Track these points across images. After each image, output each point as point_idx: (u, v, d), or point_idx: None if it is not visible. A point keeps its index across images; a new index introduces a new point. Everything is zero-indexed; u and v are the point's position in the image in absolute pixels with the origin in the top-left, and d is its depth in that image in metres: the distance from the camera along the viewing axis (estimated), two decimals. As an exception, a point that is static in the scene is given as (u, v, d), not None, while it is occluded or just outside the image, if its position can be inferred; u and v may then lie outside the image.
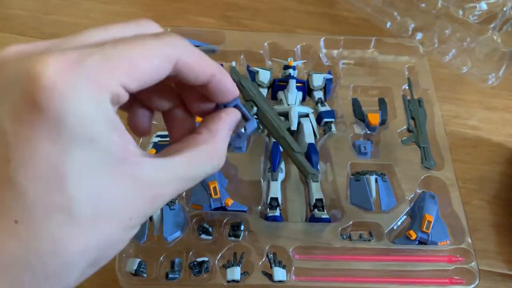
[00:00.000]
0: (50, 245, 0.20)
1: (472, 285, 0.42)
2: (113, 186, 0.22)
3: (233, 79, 0.28)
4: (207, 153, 0.26)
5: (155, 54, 0.23)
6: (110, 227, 0.22)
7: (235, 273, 0.41)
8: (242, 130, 0.31)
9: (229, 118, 0.29)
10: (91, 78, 0.20)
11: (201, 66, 0.26)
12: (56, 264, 0.21)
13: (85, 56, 0.21)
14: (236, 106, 0.29)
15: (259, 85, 0.53)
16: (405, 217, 0.46)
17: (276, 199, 0.46)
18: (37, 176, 0.20)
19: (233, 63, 0.55)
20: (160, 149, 0.46)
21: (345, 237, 0.45)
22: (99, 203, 0.21)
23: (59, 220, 0.20)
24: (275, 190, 0.46)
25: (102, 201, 0.21)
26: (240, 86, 0.32)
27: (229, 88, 0.28)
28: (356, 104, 0.53)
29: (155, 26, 0.25)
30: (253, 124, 0.31)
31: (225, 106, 0.29)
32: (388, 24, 0.62)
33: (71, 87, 0.20)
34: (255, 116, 0.33)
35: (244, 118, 0.31)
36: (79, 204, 0.21)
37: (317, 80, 0.53)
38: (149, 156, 0.24)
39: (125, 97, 0.22)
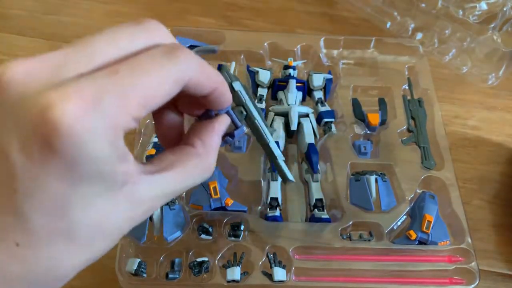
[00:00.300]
0: (48, 264, 0.22)
1: (472, 285, 0.42)
2: (112, 209, 0.23)
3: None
4: (199, 167, 0.27)
5: (167, 80, 0.23)
6: (105, 243, 0.23)
7: (235, 273, 0.41)
8: (230, 138, 0.31)
9: (222, 128, 0.29)
10: (107, 120, 0.20)
11: (207, 81, 0.26)
12: (51, 278, 0.22)
13: (102, 93, 0.20)
14: (227, 113, 0.30)
15: (259, 85, 0.53)
16: (405, 217, 0.46)
17: (276, 199, 0.46)
18: (42, 207, 0.21)
19: (233, 63, 0.55)
20: (160, 149, 0.47)
21: (345, 237, 0.45)
22: (98, 225, 0.22)
23: (59, 244, 0.21)
24: (275, 190, 0.46)
25: (100, 224, 0.22)
26: (231, 89, 0.32)
27: (227, 99, 0.28)
28: (356, 104, 0.53)
29: (163, 30, 0.25)
30: (241, 131, 0.32)
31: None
32: (388, 24, 0.62)
33: (88, 133, 0.20)
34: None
35: (234, 124, 0.31)
36: (79, 228, 0.22)
37: (317, 80, 0.53)
38: (144, 172, 0.24)
39: (135, 126, 0.22)
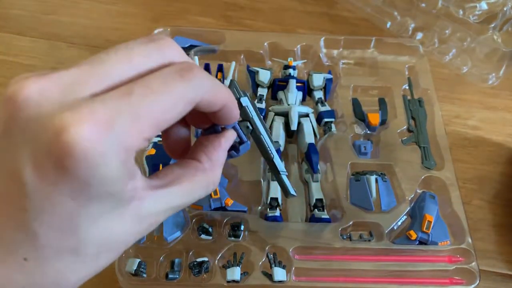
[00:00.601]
0: (54, 277, 0.22)
1: (472, 285, 0.42)
2: (118, 225, 0.23)
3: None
4: (205, 182, 0.28)
5: (180, 101, 0.23)
6: (110, 256, 0.24)
7: (235, 273, 0.41)
8: (235, 153, 0.32)
9: (228, 144, 0.30)
10: (120, 142, 0.21)
11: (218, 100, 0.26)
12: None
13: (115, 116, 0.21)
14: (234, 127, 0.30)
15: (259, 85, 0.53)
16: (405, 217, 0.46)
17: (276, 199, 0.46)
18: (51, 224, 0.21)
19: (233, 63, 0.55)
20: (160, 149, 0.47)
21: (345, 237, 0.45)
22: (104, 241, 0.23)
23: (66, 259, 0.22)
24: (275, 190, 0.46)
25: (107, 239, 0.23)
26: (238, 104, 0.33)
27: (234, 115, 0.29)
28: (356, 104, 0.53)
29: (176, 48, 0.25)
30: (246, 146, 0.32)
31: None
32: (388, 24, 0.62)
33: (101, 156, 0.20)
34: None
35: (239, 138, 0.32)
36: (86, 245, 0.22)
37: (317, 80, 0.53)
38: (151, 187, 0.24)
39: (146, 145, 0.23)
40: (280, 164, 0.38)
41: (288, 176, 0.39)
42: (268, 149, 0.36)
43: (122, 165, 0.21)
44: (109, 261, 0.24)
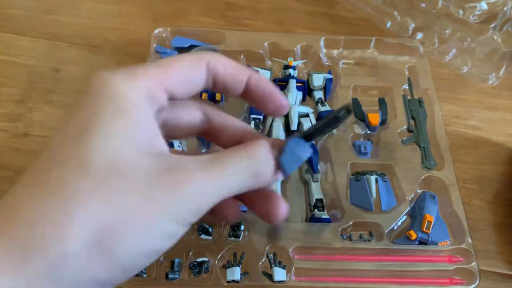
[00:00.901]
0: (60, 192, 0.21)
1: (473, 285, 0.42)
2: (127, 151, 0.23)
3: None
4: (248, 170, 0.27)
5: (186, 58, 0.27)
6: (123, 185, 0.22)
7: (235, 273, 0.41)
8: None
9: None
10: (131, 78, 0.25)
11: (234, 68, 0.28)
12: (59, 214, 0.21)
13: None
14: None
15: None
16: (405, 217, 0.46)
17: (276, 199, 0.46)
18: (66, 132, 0.23)
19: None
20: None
21: (345, 237, 0.45)
22: (113, 159, 0.22)
23: (72, 167, 0.22)
24: (275, 190, 0.46)
25: (116, 158, 0.22)
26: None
27: (270, 89, 0.29)
28: (356, 104, 0.53)
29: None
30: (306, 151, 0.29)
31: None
32: (388, 24, 0.62)
33: (112, 79, 0.24)
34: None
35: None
36: (93, 156, 0.22)
37: (317, 80, 0.53)
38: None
39: (163, 97, 0.26)
40: None
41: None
42: None
43: (133, 89, 0.25)
44: (123, 194, 0.22)
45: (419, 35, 0.61)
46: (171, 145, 0.47)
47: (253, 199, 0.29)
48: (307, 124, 0.50)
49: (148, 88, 0.25)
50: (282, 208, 0.28)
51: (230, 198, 0.27)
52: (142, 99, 0.25)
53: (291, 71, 0.53)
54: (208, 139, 0.32)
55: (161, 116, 0.27)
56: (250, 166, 0.26)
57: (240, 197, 0.30)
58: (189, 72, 0.27)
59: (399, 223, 0.46)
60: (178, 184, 0.23)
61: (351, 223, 0.45)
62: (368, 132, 0.52)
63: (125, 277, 0.23)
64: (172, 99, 0.27)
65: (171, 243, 0.24)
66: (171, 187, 0.23)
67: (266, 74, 0.53)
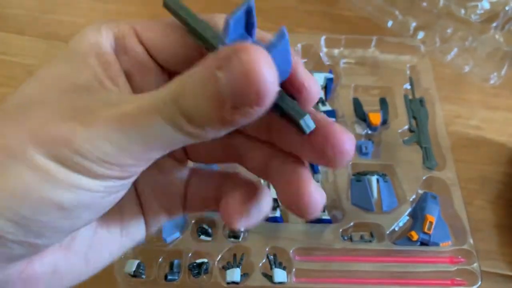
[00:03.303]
0: None
1: (474, 286, 0.41)
2: (45, 90, 0.20)
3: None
4: None
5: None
6: (15, 127, 0.19)
7: (235, 274, 0.40)
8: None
9: None
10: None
11: None
12: None
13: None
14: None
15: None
16: (406, 218, 0.46)
17: (276, 199, 0.45)
18: None
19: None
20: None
21: (346, 238, 0.44)
22: (24, 101, 0.20)
23: None
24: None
25: (25, 100, 0.20)
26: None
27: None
28: (357, 104, 0.53)
29: None
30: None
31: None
32: (390, 23, 0.62)
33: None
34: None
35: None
36: (10, 99, 0.20)
37: (318, 79, 0.53)
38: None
39: (131, 38, 0.23)
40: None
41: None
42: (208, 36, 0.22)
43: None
44: (43, 116, 0.19)
45: (421, 35, 0.60)
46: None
47: (278, 182, 0.23)
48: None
49: (116, 32, 0.23)
50: (314, 199, 0.21)
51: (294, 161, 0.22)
52: (102, 40, 0.22)
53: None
54: None
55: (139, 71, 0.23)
56: (169, 98, 0.18)
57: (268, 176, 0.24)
58: (174, 26, 0.23)
59: (400, 224, 0.45)
60: (72, 126, 0.18)
61: (352, 223, 0.45)
62: (369, 132, 0.52)
63: (27, 234, 0.19)
64: (156, 60, 0.23)
65: (79, 196, 0.19)
66: (61, 128, 0.18)
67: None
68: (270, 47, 0.18)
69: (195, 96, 0.17)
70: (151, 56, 0.23)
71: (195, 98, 0.17)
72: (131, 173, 0.20)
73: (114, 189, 0.20)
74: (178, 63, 0.23)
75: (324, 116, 0.21)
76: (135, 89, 0.23)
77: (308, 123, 0.19)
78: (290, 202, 0.21)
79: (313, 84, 0.21)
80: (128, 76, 0.23)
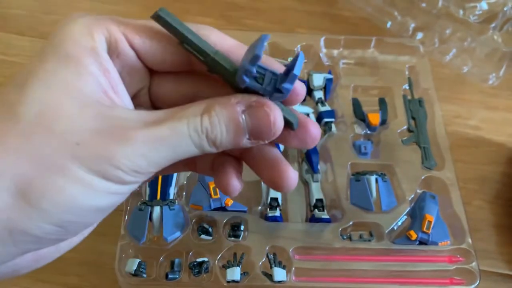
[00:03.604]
0: None
1: (473, 286, 0.42)
2: (64, 101, 0.22)
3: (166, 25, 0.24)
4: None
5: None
6: (49, 140, 0.21)
7: (235, 273, 0.40)
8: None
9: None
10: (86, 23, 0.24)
11: (233, 46, 0.28)
12: None
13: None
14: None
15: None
16: (405, 217, 0.46)
17: (276, 199, 0.46)
18: (14, 79, 0.22)
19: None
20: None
21: (345, 237, 0.44)
22: (44, 111, 0.21)
23: (3, 117, 0.21)
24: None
25: (47, 109, 0.21)
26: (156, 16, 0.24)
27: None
28: (356, 104, 0.53)
29: None
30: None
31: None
32: (389, 24, 0.62)
33: (72, 23, 0.24)
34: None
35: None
36: (24, 106, 0.21)
37: (317, 79, 0.53)
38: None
39: (123, 43, 0.24)
40: (228, 60, 0.25)
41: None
42: (204, 45, 0.24)
43: (86, 34, 0.24)
44: (46, 147, 0.21)
45: (420, 35, 0.60)
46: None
47: (259, 165, 0.27)
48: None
49: (108, 36, 0.24)
50: (290, 176, 0.26)
51: (230, 157, 0.27)
52: (97, 46, 0.23)
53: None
54: None
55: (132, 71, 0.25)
56: (200, 130, 0.23)
57: (246, 159, 0.28)
58: (162, 32, 0.24)
59: (399, 223, 0.45)
60: (110, 144, 0.21)
61: (351, 223, 0.45)
62: (368, 132, 0.52)
63: (66, 233, 0.23)
64: (148, 67, 0.25)
65: (112, 199, 0.23)
66: (101, 147, 0.21)
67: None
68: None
69: (221, 130, 0.23)
70: (140, 59, 0.25)
71: (221, 132, 0.23)
72: (150, 177, 0.24)
73: (134, 189, 0.24)
74: (165, 65, 0.26)
75: (298, 112, 0.27)
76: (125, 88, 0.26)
77: (296, 122, 0.26)
78: (269, 180, 0.27)
79: (300, 88, 0.27)
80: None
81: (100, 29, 0.24)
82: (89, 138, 0.21)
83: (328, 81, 0.53)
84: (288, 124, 0.25)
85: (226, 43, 0.26)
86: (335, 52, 0.59)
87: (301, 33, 0.63)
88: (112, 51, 0.24)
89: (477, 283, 0.42)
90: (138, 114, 0.23)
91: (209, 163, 0.28)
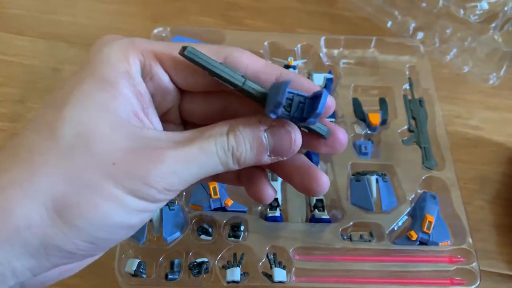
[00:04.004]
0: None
1: (473, 286, 0.42)
2: (99, 122, 0.23)
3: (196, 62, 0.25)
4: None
5: (206, 46, 0.26)
6: (86, 159, 0.22)
7: (235, 273, 0.40)
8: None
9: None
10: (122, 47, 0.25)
11: (263, 66, 0.27)
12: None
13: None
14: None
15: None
16: (406, 217, 0.46)
17: (276, 199, 0.46)
18: (52, 99, 0.24)
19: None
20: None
21: (345, 237, 0.44)
22: (83, 131, 0.23)
23: (44, 136, 0.22)
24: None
25: (85, 130, 0.23)
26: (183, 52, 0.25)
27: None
28: (356, 104, 0.53)
29: None
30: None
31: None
32: (389, 24, 0.62)
33: (108, 46, 0.25)
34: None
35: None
36: (64, 127, 0.22)
37: (318, 79, 0.53)
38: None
39: (156, 66, 0.26)
40: (256, 85, 0.25)
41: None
42: (232, 77, 0.25)
43: (122, 58, 0.25)
44: (84, 169, 0.22)
45: (420, 35, 0.60)
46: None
47: (289, 172, 0.29)
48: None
49: (142, 61, 0.25)
50: (323, 181, 0.28)
51: (257, 169, 0.29)
52: (132, 69, 0.25)
53: (291, 70, 0.53)
54: None
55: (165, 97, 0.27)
56: (227, 148, 0.25)
57: (274, 169, 0.29)
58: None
59: (400, 224, 0.45)
60: (144, 163, 0.23)
61: (351, 223, 0.45)
62: (369, 132, 0.52)
63: (97, 249, 0.24)
64: (178, 87, 0.27)
65: (142, 217, 0.24)
66: (136, 166, 0.23)
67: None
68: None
69: (246, 148, 0.25)
70: (172, 81, 0.27)
71: (246, 150, 0.25)
72: (177, 193, 0.25)
73: (161, 207, 0.26)
74: (196, 87, 0.27)
75: (327, 121, 0.28)
76: (155, 107, 0.27)
77: (327, 132, 0.28)
78: (301, 187, 0.29)
79: (330, 104, 0.27)
80: (152, 97, 0.27)
81: (136, 53, 0.25)
82: (124, 158, 0.23)
83: (328, 81, 0.53)
84: (320, 135, 0.28)
85: (257, 65, 0.27)
86: (335, 52, 0.58)
87: (301, 33, 0.63)
88: (146, 74, 0.26)
89: (478, 283, 0.41)
90: (167, 134, 0.25)
91: (234, 174, 0.30)
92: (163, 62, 0.26)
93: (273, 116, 0.24)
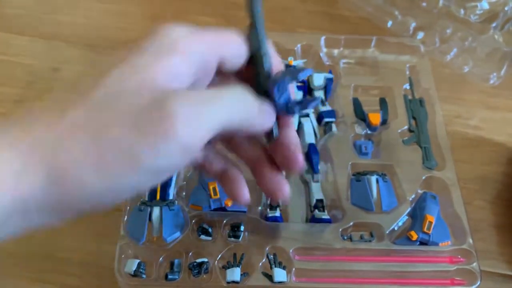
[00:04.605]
0: None
1: (474, 286, 0.41)
2: (135, 84, 0.24)
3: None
4: None
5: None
6: (111, 119, 0.23)
7: (235, 274, 0.40)
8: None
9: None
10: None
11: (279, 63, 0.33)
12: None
13: None
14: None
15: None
16: (406, 217, 0.46)
17: (276, 199, 0.45)
18: (108, 60, 0.26)
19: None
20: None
21: (345, 237, 0.44)
22: (113, 91, 0.24)
23: (80, 95, 0.24)
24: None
25: (116, 90, 0.24)
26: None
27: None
28: (357, 104, 0.53)
29: None
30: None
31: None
32: (389, 24, 0.62)
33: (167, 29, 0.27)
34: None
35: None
36: (99, 87, 0.24)
37: (318, 79, 0.53)
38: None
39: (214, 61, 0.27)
40: (268, 63, 0.32)
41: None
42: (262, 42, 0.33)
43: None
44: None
45: (420, 35, 0.60)
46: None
47: (259, 174, 0.32)
48: (307, 124, 0.50)
49: (202, 51, 0.26)
50: (283, 189, 0.31)
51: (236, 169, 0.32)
52: (186, 51, 0.26)
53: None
54: None
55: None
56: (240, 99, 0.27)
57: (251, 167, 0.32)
58: (241, 46, 0.29)
59: (400, 224, 0.45)
60: (161, 124, 0.23)
61: (351, 223, 0.45)
62: (369, 132, 0.52)
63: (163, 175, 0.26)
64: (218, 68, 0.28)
65: (158, 178, 0.26)
66: (153, 127, 0.23)
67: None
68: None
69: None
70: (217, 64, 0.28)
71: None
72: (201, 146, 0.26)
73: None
74: (232, 71, 0.30)
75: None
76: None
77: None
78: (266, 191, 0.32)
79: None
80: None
81: (193, 38, 0.26)
82: (145, 120, 0.23)
83: (329, 81, 0.53)
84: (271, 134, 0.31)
85: (274, 60, 0.31)
86: (336, 51, 0.58)
87: (301, 32, 0.63)
88: (201, 69, 0.27)
89: (478, 283, 0.41)
90: (181, 93, 0.25)
91: (218, 168, 0.33)
92: (224, 59, 0.28)
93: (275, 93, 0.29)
